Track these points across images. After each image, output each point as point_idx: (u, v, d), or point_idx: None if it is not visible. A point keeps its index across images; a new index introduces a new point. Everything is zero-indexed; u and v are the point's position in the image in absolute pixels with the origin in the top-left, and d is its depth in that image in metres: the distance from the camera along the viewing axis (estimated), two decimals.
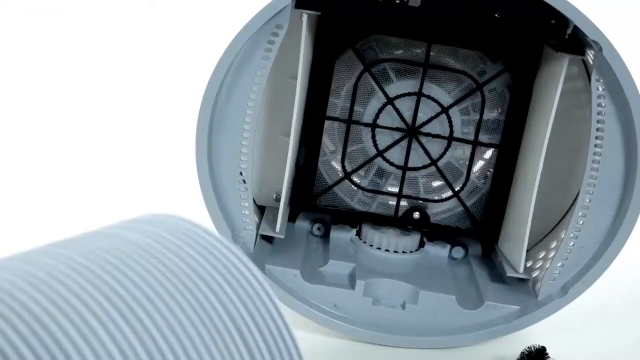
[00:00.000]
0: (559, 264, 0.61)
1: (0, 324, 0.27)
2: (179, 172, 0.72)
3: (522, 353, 0.58)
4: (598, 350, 0.63)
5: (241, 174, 0.61)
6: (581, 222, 0.60)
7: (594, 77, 0.57)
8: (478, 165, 0.69)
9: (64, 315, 0.28)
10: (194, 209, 0.57)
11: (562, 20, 0.58)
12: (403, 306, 0.63)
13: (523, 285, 0.65)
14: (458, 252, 0.70)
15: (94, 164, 0.90)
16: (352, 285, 0.63)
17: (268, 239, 0.66)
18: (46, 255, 0.31)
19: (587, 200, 0.60)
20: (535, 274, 0.64)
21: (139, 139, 0.97)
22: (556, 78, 0.60)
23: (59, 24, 1.22)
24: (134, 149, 0.94)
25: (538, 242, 0.68)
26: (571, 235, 0.60)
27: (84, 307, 0.28)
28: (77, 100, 1.06)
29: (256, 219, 0.65)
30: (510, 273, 0.64)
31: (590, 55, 0.58)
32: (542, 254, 0.66)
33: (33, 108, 1.03)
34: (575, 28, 0.56)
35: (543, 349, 0.58)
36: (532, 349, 0.58)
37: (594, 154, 0.59)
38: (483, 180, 0.69)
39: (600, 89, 0.57)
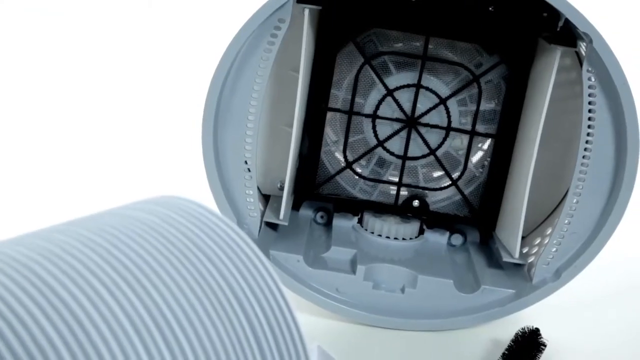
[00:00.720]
0: (553, 249, 0.63)
1: (18, 293, 0.29)
2: (186, 162, 0.74)
3: (517, 334, 0.60)
4: (589, 332, 0.65)
5: (246, 162, 0.63)
6: (573, 209, 0.62)
7: (584, 68, 0.58)
8: (476, 155, 0.71)
9: (75, 285, 0.30)
10: (201, 196, 0.59)
11: (553, 13, 0.60)
12: (402, 290, 0.65)
13: (518, 270, 0.66)
14: (457, 239, 0.72)
15: (103, 158, 0.92)
16: (353, 270, 0.65)
17: (273, 226, 0.68)
18: (59, 232, 0.33)
19: (579, 188, 0.61)
20: (530, 260, 0.66)
21: (145, 133, 0.99)
22: (549, 69, 0.61)
23: (59, 24, 1.22)
24: (142, 143, 0.96)
25: (534, 229, 0.70)
26: (564, 221, 0.62)
27: (95, 278, 0.30)
28: (84, 97, 1.07)
29: (261, 207, 0.67)
30: (506, 258, 0.66)
31: (582, 47, 0.60)
32: (537, 241, 0.68)
33: (37, 106, 1.05)
34: (567, 21, 0.57)
35: (537, 330, 0.60)
36: (526, 330, 0.60)
37: (586, 142, 0.60)
38: (481, 170, 0.70)
39: (592, 79, 0.59)
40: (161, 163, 0.90)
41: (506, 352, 0.57)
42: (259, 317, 0.33)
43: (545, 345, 0.59)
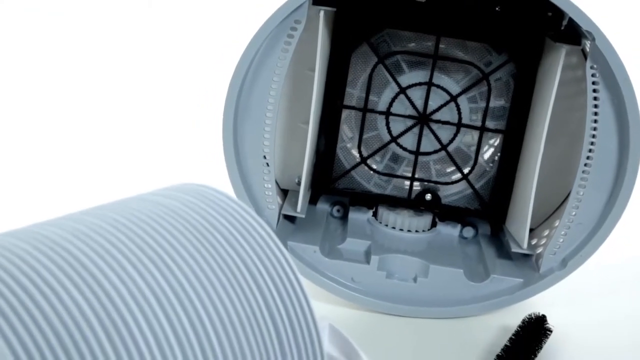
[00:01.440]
0: (560, 239, 0.65)
1: (52, 268, 0.32)
2: (208, 157, 0.77)
3: (524, 320, 0.61)
4: (595, 320, 0.67)
5: (264, 157, 0.65)
6: (579, 200, 0.63)
7: (588, 64, 0.60)
8: (486, 151, 0.73)
9: (103, 261, 0.32)
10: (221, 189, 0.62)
11: (557, 12, 0.62)
12: (415, 280, 0.67)
13: (527, 260, 0.68)
14: (468, 231, 0.74)
15: (124, 155, 0.95)
16: (368, 261, 0.67)
17: (291, 219, 0.70)
18: (89, 215, 0.36)
19: (585, 180, 0.63)
20: (538, 251, 0.68)
21: (165, 131, 1.02)
22: (555, 67, 0.63)
23: (61, 24, 1.23)
24: (164, 140, 0.99)
25: (542, 222, 0.72)
26: (570, 212, 0.64)
27: (121, 255, 0.33)
28: (101, 96, 1.09)
29: (279, 200, 0.69)
30: (514, 249, 0.67)
31: (586, 45, 0.62)
32: (545, 232, 0.69)
33: (52, 105, 1.07)
34: (571, 20, 0.59)
35: (543, 317, 0.62)
36: (533, 316, 0.62)
37: (591, 136, 0.62)
38: (491, 165, 0.72)
39: (595, 75, 0.60)
40: (183, 159, 0.93)
41: (513, 337, 0.59)
42: (272, 293, 0.36)
43: (551, 331, 0.61)
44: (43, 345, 0.29)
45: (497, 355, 0.57)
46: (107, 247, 0.33)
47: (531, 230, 0.71)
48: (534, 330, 0.60)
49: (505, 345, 0.58)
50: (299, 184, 0.72)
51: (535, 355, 0.59)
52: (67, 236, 0.34)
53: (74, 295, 0.31)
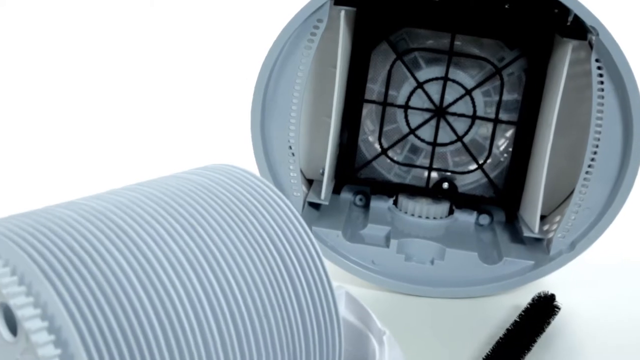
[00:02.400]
0: (569, 223, 0.68)
1: (97, 233, 0.36)
2: (237, 148, 0.81)
3: (533, 298, 0.64)
4: (601, 299, 0.70)
5: (290, 148, 0.69)
6: (586, 186, 0.66)
7: (593, 57, 0.63)
8: (501, 142, 0.76)
9: (141, 228, 0.36)
10: None
11: (563, 9, 0.65)
12: (432, 262, 0.71)
13: (538, 244, 0.71)
14: (484, 219, 0.77)
15: (161, 148, 0.99)
16: (387, 245, 0.71)
17: (315, 207, 0.74)
18: (130, 190, 0.40)
19: (592, 166, 0.66)
20: (550, 235, 0.71)
21: (195, 123, 1.07)
22: (563, 61, 0.66)
23: (64, 23, 1.25)
24: (197, 132, 1.04)
25: (555, 209, 0.74)
26: (578, 197, 0.67)
27: (156, 222, 0.37)
28: (129, 93, 1.13)
29: (304, 189, 0.73)
30: (526, 233, 0.70)
31: (592, 40, 0.65)
32: (557, 219, 0.72)
33: (66, 103, 1.11)
34: (576, 16, 0.62)
35: (552, 295, 0.65)
36: (542, 295, 0.65)
37: (597, 125, 0.65)
38: (505, 155, 0.75)
39: (600, 68, 0.63)
40: (214, 150, 0.97)
41: (523, 314, 0.62)
42: (290, 256, 0.39)
43: (559, 309, 0.64)
44: (90, 299, 0.33)
45: (507, 329, 0.60)
46: (144, 215, 0.37)
47: (544, 217, 0.74)
48: (543, 308, 0.63)
49: (515, 320, 0.61)
50: (322, 174, 0.76)
51: (544, 330, 0.62)
52: (109, 207, 0.38)
53: (115, 256, 0.35)
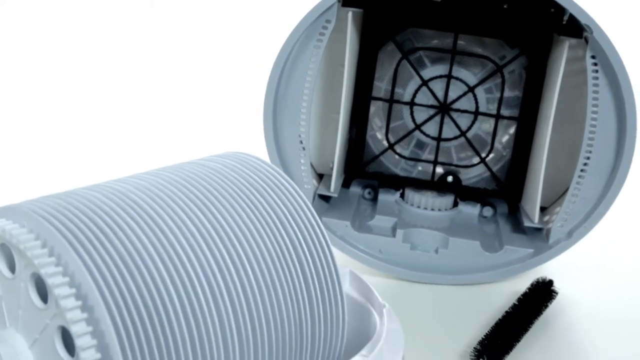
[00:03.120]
0: (566, 212, 0.70)
1: (119, 211, 0.38)
2: (250, 143, 0.83)
3: (532, 283, 0.67)
4: (597, 286, 0.72)
5: (301, 142, 0.72)
6: (583, 177, 0.69)
7: (588, 54, 0.66)
8: (503, 137, 0.78)
9: (160, 207, 0.39)
10: None
11: (559, 8, 0.67)
12: (436, 251, 0.73)
13: (538, 234, 0.74)
14: (488, 211, 0.79)
15: (180, 141, 1.03)
16: (394, 234, 0.74)
17: (326, 199, 0.77)
18: (150, 174, 0.43)
19: (588, 158, 0.68)
20: (549, 226, 0.73)
21: (211, 118, 1.10)
22: (561, 58, 0.69)
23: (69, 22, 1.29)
24: (211, 126, 1.08)
25: (554, 201, 0.77)
26: (575, 188, 0.69)
27: (174, 203, 0.40)
28: (135, 89, 1.17)
29: (315, 182, 0.76)
30: (527, 223, 0.73)
31: (588, 37, 0.67)
32: (557, 210, 0.74)
33: (75, 101, 1.14)
34: (572, 14, 0.65)
35: (550, 281, 0.67)
36: (540, 280, 0.67)
37: (592, 119, 0.67)
38: (507, 149, 0.78)
39: (595, 64, 0.66)
40: (228, 143, 1.00)
41: (522, 297, 0.65)
42: (298, 237, 0.42)
43: (557, 293, 0.66)
44: (113, 269, 0.36)
45: (506, 312, 0.63)
46: (161, 195, 0.40)
47: (544, 208, 0.77)
48: (541, 292, 0.65)
49: (514, 303, 0.64)
50: (332, 168, 0.78)
51: (541, 313, 0.64)
52: (130, 188, 0.41)
53: (135, 231, 0.38)
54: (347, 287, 0.48)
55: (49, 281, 0.35)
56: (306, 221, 0.43)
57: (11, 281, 0.38)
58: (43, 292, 0.37)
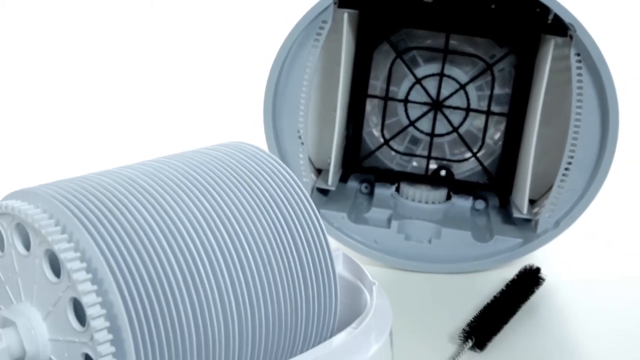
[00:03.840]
0: (553, 203, 0.72)
1: (126, 193, 0.41)
2: (250, 138, 0.86)
3: (520, 270, 0.69)
4: (582, 273, 0.75)
5: (300, 138, 0.74)
6: (569, 169, 0.71)
7: (572, 51, 0.68)
8: (495, 133, 0.81)
9: (164, 190, 0.42)
10: None
11: (544, 8, 0.70)
12: (429, 241, 0.76)
13: (527, 225, 0.76)
14: (480, 204, 0.82)
15: (186, 136, 1.05)
16: (389, 226, 0.76)
17: (324, 193, 0.79)
18: (155, 161, 0.46)
19: (573, 151, 0.70)
20: (537, 217, 0.76)
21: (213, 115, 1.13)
22: (547, 56, 0.71)
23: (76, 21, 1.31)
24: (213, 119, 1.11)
25: (543, 194, 0.79)
26: (561, 180, 0.71)
27: (177, 187, 0.42)
28: (141, 85, 1.20)
29: (313, 176, 0.78)
30: (516, 214, 0.75)
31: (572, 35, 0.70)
32: (545, 202, 0.77)
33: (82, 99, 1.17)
34: (556, 14, 0.67)
35: (538, 269, 0.70)
36: (528, 268, 0.69)
37: (576, 114, 0.70)
38: (498, 144, 0.80)
39: (578, 61, 0.68)
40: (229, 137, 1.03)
41: (510, 283, 0.67)
42: (293, 219, 0.45)
43: (543, 280, 0.69)
44: (121, 245, 0.38)
45: (495, 296, 0.65)
46: (166, 180, 0.43)
47: (534, 201, 0.79)
48: (529, 279, 0.68)
49: (502, 289, 0.66)
50: (330, 163, 0.81)
51: (528, 298, 0.66)
52: (137, 174, 0.43)
53: (141, 212, 0.40)
54: (340, 268, 0.50)
55: (62, 256, 0.38)
56: (301, 205, 0.45)
57: (26, 258, 0.40)
58: (56, 268, 0.39)
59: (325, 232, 0.45)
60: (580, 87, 0.69)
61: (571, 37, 0.69)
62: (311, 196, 0.77)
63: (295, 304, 0.44)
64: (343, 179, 0.83)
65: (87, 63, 1.27)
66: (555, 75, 0.74)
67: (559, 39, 0.71)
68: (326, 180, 0.78)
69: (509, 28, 0.74)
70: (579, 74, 0.69)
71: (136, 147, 1.01)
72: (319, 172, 0.83)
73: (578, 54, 0.68)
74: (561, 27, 0.70)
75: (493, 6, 0.73)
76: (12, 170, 0.93)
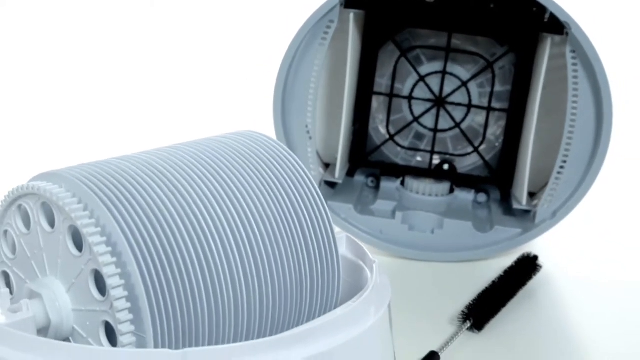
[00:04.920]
0: (551, 195, 0.75)
1: (142, 175, 0.44)
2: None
3: (519, 258, 0.72)
4: (579, 263, 0.77)
5: (308, 132, 0.77)
6: (565, 161, 0.73)
7: (567, 48, 0.71)
8: (496, 128, 0.83)
9: (178, 173, 0.45)
10: None
11: (541, 7, 0.72)
12: (432, 231, 0.78)
13: (526, 216, 0.78)
14: (482, 197, 0.84)
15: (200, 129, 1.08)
16: (393, 217, 0.79)
17: (331, 186, 0.82)
18: (170, 147, 0.48)
19: (569, 144, 0.73)
20: (536, 208, 0.78)
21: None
22: (544, 54, 0.74)
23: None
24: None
25: (543, 186, 0.81)
26: (558, 172, 0.74)
27: (188, 169, 0.45)
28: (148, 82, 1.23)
29: (321, 170, 0.81)
30: (516, 206, 0.78)
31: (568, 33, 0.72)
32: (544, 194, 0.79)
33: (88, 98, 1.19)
34: (553, 13, 0.70)
35: (535, 257, 0.72)
36: (525, 255, 0.72)
37: (572, 108, 0.72)
38: (500, 139, 0.83)
39: (574, 57, 0.71)
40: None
41: (508, 270, 0.70)
42: (298, 200, 0.47)
43: (541, 267, 0.71)
44: (138, 222, 0.41)
45: (493, 281, 0.68)
46: (179, 164, 0.46)
47: (534, 194, 0.81)
48: (527, 265, 0.70)
49: (500, 275, 0.69)
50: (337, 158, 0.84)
51: (525, 284, 0.69)
52: (153, 158, 0.46)
53: (157, 192, 0.43)
54: (344, 250, 0.52)
55: (84, 231, 0.40)
56: (305, 187, 0.48)
57: (51, 235, 0.43)
58: (78, 243, 0.42)
59: (328, 212, 0.48)
60: (575, 83, 0.71)
61: (567, 34, 0.71)
62: (319, 188, 0.79)
63: (299, 278, 0.46)
64: (350, 173, 0.85)
65: (108, 58, 1.30)
66: (553, 73, 0.76)
67: (556, 38, 0.73)
68: (333, 174, 0.80)
69: (507, 27, 0.77)
70: (575, 70, 0.71)
71: (145, 145, 1.04)
72: (327, 167, 0.85)
73: (573, 51, 0.71)
74: (557, 26, 0.72)
75: (492, 6, 0.75)
76: (33, 158, 0.96)
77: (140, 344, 0.41)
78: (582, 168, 0.73)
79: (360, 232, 0.78)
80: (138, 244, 0.41)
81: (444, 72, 0.80)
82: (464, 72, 0.81)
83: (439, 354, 0.57)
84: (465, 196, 0.84)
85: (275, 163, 0.48)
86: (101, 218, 0.41)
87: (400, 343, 0.51)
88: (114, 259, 0.40)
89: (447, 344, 0.58)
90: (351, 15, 0.75)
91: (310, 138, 0.77)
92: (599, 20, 0.83)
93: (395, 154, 0.85)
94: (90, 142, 1.06)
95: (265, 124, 0.79)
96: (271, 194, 0.46)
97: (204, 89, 1.23)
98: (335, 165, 0.83)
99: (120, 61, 1.30)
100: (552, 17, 0.71)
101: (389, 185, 0.84)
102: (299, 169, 0.49)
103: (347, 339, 0.42)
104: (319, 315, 0.48)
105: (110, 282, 0.40)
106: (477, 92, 0.81)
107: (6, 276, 0.47)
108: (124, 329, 0.40)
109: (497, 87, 0.81)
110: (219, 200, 0.44)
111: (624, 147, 0.90)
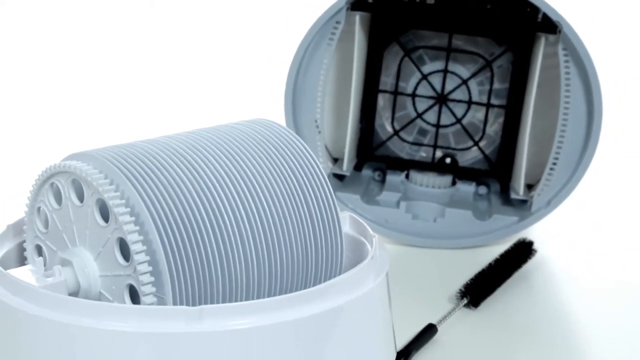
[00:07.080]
0: (545, 184, 0.78)
1: (162, 154, 0.48)
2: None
3: (515, 243, 0.75)
4: (573, 248, 0.81)
5: (317, 127, 0.81)
6: (559, 153, 0.77)
7: (560, 46, 0.74)
8: (495, 124, 0.86)
9: (195, 154, 0.48)
10: None
11: (534, 7, 0.76)
12: (434, 220, 0.82)
13: (523, 205, 0.81)
14: (482, 189, 0.87)
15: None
16: (398, 206, 0.82)
17: (340, 178, 0.86)
18: (189, 132, 0.52)
19: (562, 137, 0.76)
20: (533, 198, 0.81)
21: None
22: (538, 52, 0.77)
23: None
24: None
25: (540, 179, 0.85)
26: (552, 163, 0.77)
27: (205, 150, 0.49)
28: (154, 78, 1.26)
29: (330, 164, 0.84)
30: (513, 196, 0.81)
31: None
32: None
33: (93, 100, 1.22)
34: (545, 13, 0.73)
35: (531, 242, 0.75)
36: (521, 240, 0.75)
37: (565, 103, 0.75)
38: (499, 134, 0.86)
39: (566, 55, 0.74)
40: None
41: (504, 253, 0.73)
42: (305, 181, 0.50)
43: (536, 251, 0.74)
44: (159, 195, 0.45)
45: (490, 263, 0.71)
46: (197, 146, 0.49)
47: (531, 186, 0.84)
48: (522, 250, 0.73)
49: (497, 258, 0.72)
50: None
51: (521, 267, 0.72)
52: (173, 141, 0.50)
53: (176, 170, 0.47)
54: (347, 228, 0.56)
55: (110, 202, 0.44)
56: (311, 168, 0.52)
57: (80, 208, 0.47)
58: (105, 215, 0.46)
59: (332, 191, 0.51)
60: (567, 79, 0.75)
61: (560, 32, 0.75)
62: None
63: (305, 251, 0.50)
64: (357, 168, 0.89)
65: (124, 55, 1.33)
66: (549, 71, 0.79)
67: (550, 37, 0.77)
68: (342, 167, 0.84)
69: (504, 27, 0.80)
70: (567, 67, 0.74)
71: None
72: (335, 161, 0.89)
73: (565, 49, 0.74)
74: (551, 25, 0.76)
75: (488, 6, 0.79)
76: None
77: (161, 305, 0.44)
78: (575, 159, 0.76)
79: (366, 221, 0.80)
80: (159, 215, 0.44)
81: (445, 71, 0.83)
82: (464, 71, 0.84)
83: (437, 326, 0.60)
84: (466, 188, 0.87)
85: (284, 147, 0.52)
86: (125, 192, 0.45)
87: (401, 318, 0.55)
88: (137, 228, 0.44)
89: (444, 318, 0.62)
90: (357, 17, 0.79)
91: (320, 132, 0.81)
92: (590, 20, 0.86)
93: (400, 149, 0.88)
94: (113, 134, 1.10)
95: (275, 119, 0.83)
96: (280, 173, 0.50)
97: (216, 86, 1.27)
98: (343, 159, 0.87)
99: (141, 61, 1.33)
100: (545, 16, 0.75)
101: (394, 178, 0.88)
102: (306, 152, 0.52)
103: (348, 300, 0.46)
104: None
105: (133, 247, 0.43)
106: (477, 90, 0.84)
107: (39, 249, 0.51)
108: (146, 289, 0.44)
109: (496, 85, 0.84)
110: (232, 178, 0.48)
111: (613, 140, 0.93)
